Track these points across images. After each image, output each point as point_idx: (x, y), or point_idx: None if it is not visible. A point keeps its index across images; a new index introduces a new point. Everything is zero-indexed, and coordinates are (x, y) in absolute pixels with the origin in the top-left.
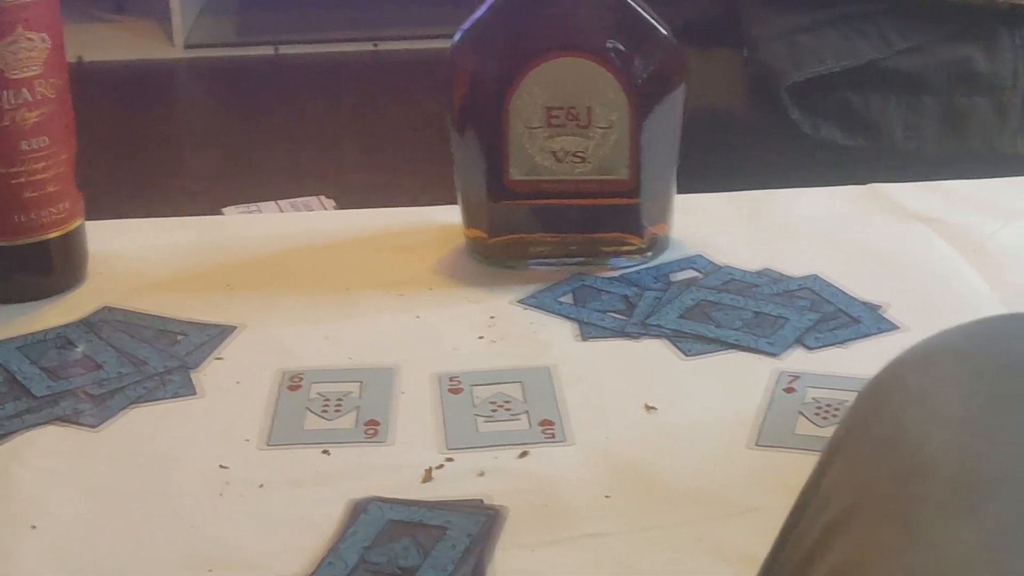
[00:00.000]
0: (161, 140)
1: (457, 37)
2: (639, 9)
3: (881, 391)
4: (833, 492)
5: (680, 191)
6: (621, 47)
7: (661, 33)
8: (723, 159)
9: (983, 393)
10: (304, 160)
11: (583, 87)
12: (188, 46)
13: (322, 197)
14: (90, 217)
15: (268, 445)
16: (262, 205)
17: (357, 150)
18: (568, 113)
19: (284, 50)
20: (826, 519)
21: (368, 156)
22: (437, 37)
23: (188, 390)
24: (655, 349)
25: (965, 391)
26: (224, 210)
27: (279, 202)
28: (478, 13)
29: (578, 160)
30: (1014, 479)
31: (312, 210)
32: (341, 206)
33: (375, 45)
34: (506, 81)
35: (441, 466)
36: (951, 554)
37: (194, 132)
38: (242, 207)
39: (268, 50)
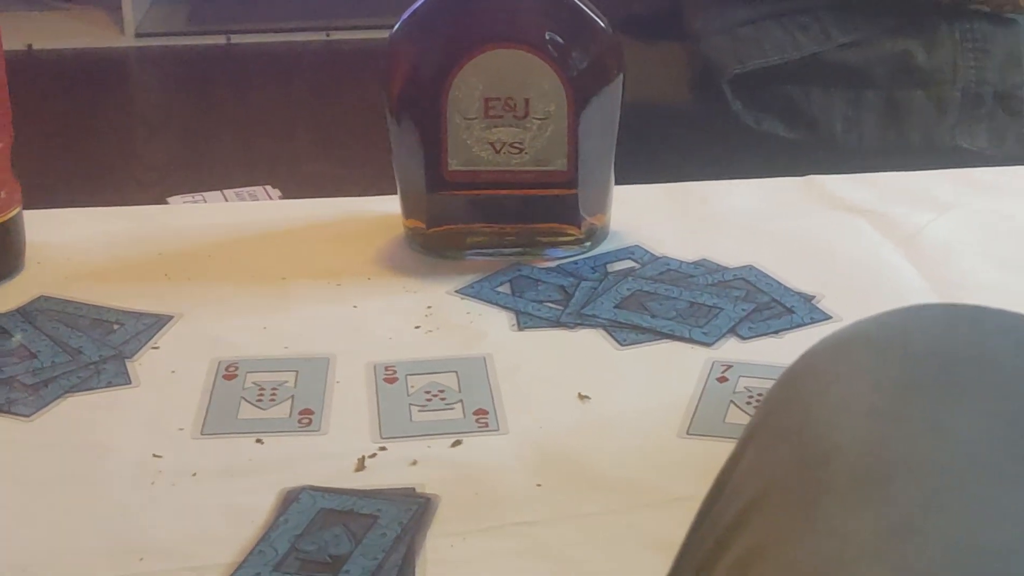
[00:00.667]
0: (111, 130)
1: (396, 27)
2: (577, 1)
3: (794, 380)
4: (744, 480)
5: (622, 183)
6: (559, 39)
7: (599, 25)
8: (666, 151)
9: (890, 382)
10: (255, 150)
11: (521, 78)
12: (139, 35)
13: (267, 187)
14: (38, 207)
15: (202, 434)
16: (207, 195)
17: (309, 140)
18: (506, 104)
19: (236, 39)
20: (736, 507)
21: (320, 146)
22: (390, 27)
23: (123, 379)
24: (590, 339)
25: (873, 380)
26: (169, 199)
27: (225, 192)
28: (418, 3)
29: (516, 151)
30: (916, 467)
31: (257, 199)
32: (290, 196)
33: (328, 35)
34: (444, 72)
35: (374, 455)
36: (850, 542)
37: (145, 122)
38: (187, 197)
39: (220, 39)
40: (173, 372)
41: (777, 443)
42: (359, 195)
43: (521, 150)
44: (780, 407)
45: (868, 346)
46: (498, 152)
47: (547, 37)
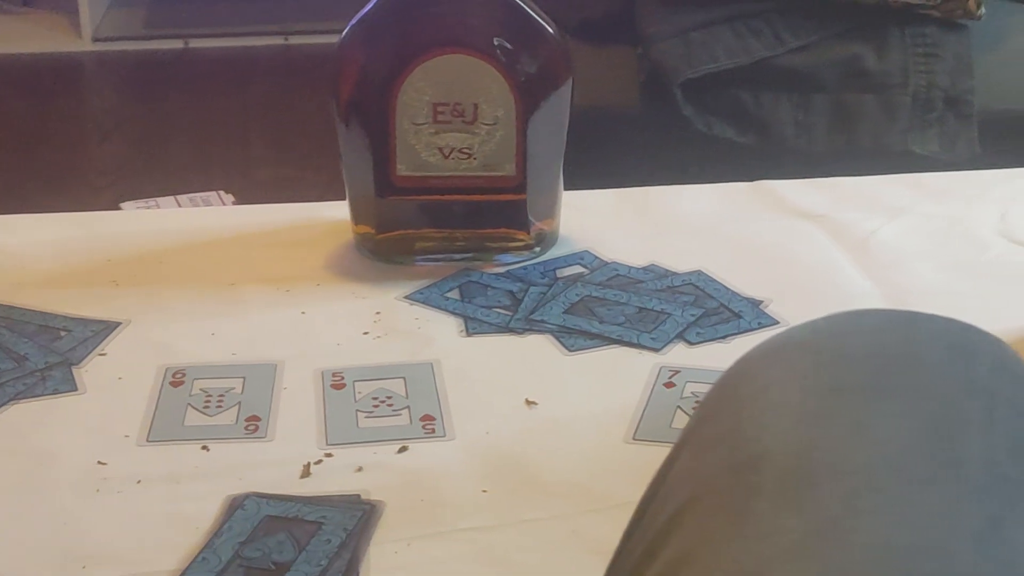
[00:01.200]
0: (67, 135)
1: (345, 32)
2: (526, 8)
3: (728, 385)
4: (676, 484)
5: (574, 188)
6: (507, 45)
7: (547, 31)
8: (617, 156)
9: (821, 386)
10: (211, 155)
11: (469, 84)
12: (96, 39)
13: (221, 192)
14: None
15: (148, 441)
16: (160, 200)
17: (265, 145)
18: (454, 109)
19: (194, 43)
20: (668, 511)
21: (276, 151)
22: None
23: (69, 386)
24: (538, 344)
25: (804, 384)
26: (122, 205)
27: (178, 197)
28: (367, 8)
29: (464, 156)
30: (840, 469)
31: (211, 205)
32: (245, 201)
33: (286, 39)
34: (392, 77)
35: (320, 461)
36: (777, 544)
37: (100, 127)
38: (140, 202)
39: (177, 43)
40: (120, 379)
41: (710, 447)
42: (316, 199)
43: (470, 155)
44: (714, 411)
45: (801, 350)
46: (447, 157)
47: (496, 43)
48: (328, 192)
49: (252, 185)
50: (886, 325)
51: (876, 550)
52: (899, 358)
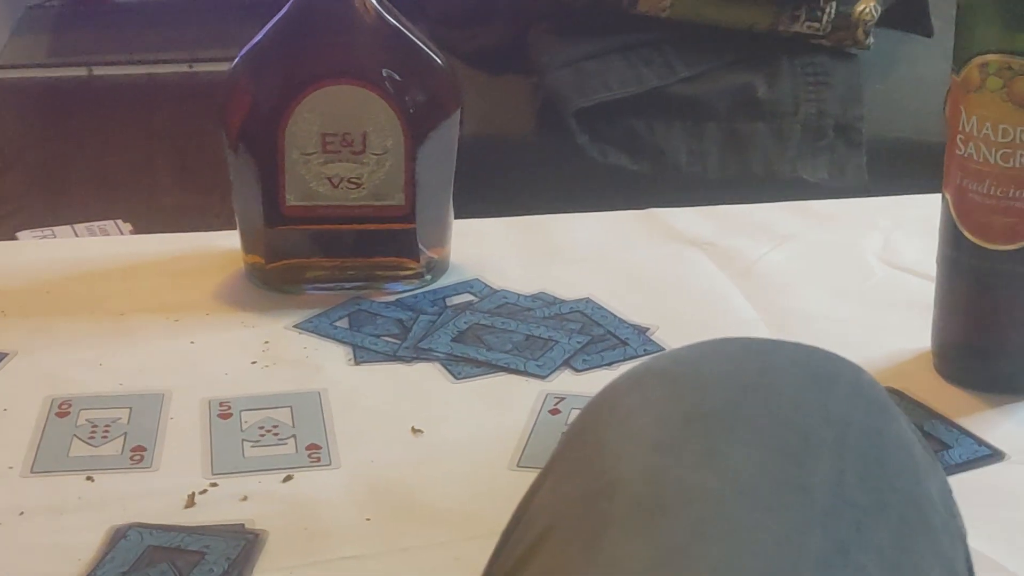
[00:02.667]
0: None
1: (236, 61)
2: (414, 39)
3: (592, 412)
4: (537, 512)
5: (467, 216)
6: (396, 75)
7: (436, 62)
8: (512, 185)
9: (677, 414)
10: (115, 183)
11: (358, 114)
12: None
13: (119, 221)
14: None
15: (32, 472)
16: (57, 229)
17: (170, 172)
18: (343, 139)
19: (98, 71)
20: (528, 539)
21: (181, 178)
22: None
23: None
24: (426, 372)
25: (661, 412)
26: (18, 235)
27: (75, 226)
28: (257, 38)
29: (353, 186)
30: (692, 497)
31: (108, 234)
32: (147, 229)
33: (191, 66)
34: (281, 107)
35: (205, 491)
36: (626, 571)
37: (2, 155)
38: (37, 231)
39: (82, 71)
40: (5, 410)
41: (569, 475)
42: (220, 227)
43: (359, 185)
44: (577, 439)
45: (662, 379)
46: (336, 187)
47: (384, 73)
48: (232, 220)
49: (156, 213)
50: (745, 353)
51: (720, 573)
52: (756, 386)
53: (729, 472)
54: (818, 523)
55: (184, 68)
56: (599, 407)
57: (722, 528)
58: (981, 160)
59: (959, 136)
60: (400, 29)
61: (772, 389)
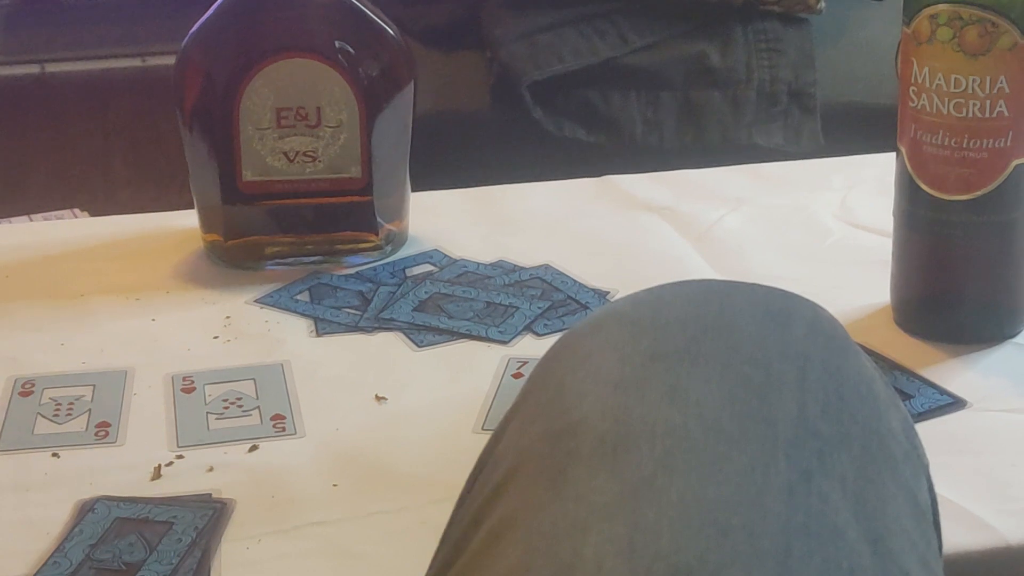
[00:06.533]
0: None
1: (186, 39)
2: (367, 11)
3: (552, 358)
4: (501, 455)
5: (424, 190)
6: (349, 48)
7: (389, 34)
8: (469, 160)
9: (639, 353)
10: (72, 178)
11: (312, 88)
12: None
13: (76, 210)
14: None
15: None
16: (14, 220)
17: (126, 165)
18: (297, 113)
19: (50, 68)
20: (494, 481)
21: (138, 171)
22: None
23: None
24: (388, 341)
25: (623, 353)
26: None
27: (31, 216)
28: (208, 14)
29: (309, 160)
30: (657, 432)
31: None
32: None
33: (144, 60)
34: (235, 83)
35: (171, 463)
36: (592, 504)
37: None
38: None
39: (34, 68)
40: None
41: (532, 418)
42: None
43: (315, 159)
44: (538, 384)
45: (620, 321)
46: (292, 161)
47: (337, 46)
48: (190, 207)
49: (113, 205)
50: (704, 294)
51: (688, 504)
52: (716, 325)
53: (692, 407)
54: (782, 453)
55: (137, 63)
56: (560, 351)
57: (687, 460)
58: (934, 111)
59: (911, 88)
60: (352, 1)
61: (732, 328)
